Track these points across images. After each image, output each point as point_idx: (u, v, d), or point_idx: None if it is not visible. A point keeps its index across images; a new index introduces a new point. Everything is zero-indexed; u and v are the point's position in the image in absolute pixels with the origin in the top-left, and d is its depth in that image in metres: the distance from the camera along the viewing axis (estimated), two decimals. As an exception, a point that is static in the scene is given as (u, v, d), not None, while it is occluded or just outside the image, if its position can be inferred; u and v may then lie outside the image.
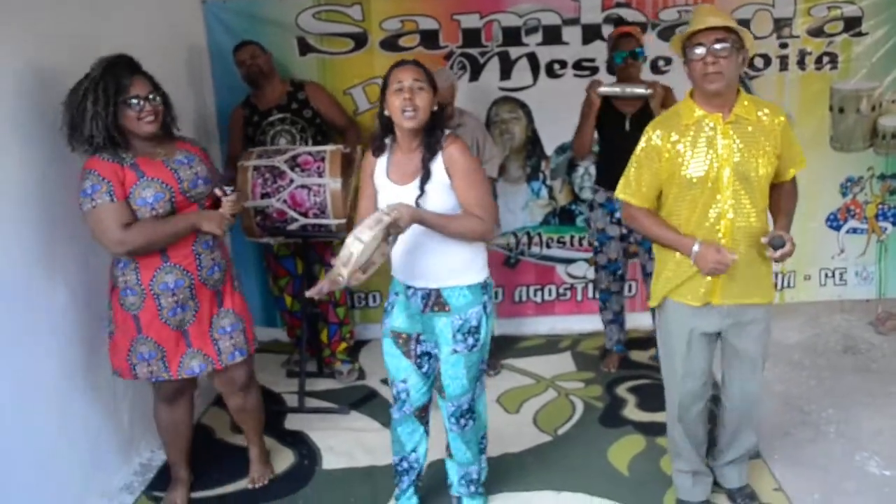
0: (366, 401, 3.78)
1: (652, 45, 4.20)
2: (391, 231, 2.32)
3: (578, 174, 4.44)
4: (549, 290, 4.60)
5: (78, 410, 2.93)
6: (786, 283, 4.60)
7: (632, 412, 3.60)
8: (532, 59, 4.28)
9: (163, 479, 3.17)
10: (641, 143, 2.55)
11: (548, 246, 4.54)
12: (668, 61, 4.27)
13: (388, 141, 2.56)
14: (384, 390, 3.82)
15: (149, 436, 3.40)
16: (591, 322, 4.42)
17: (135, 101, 2.56)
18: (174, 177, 2.66)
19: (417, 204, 2.43)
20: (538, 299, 4.62)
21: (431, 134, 2.47)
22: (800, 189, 2.64)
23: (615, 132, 3.62)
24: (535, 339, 4.51)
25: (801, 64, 4.32)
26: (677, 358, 2.64)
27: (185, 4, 4.06)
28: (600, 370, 4.05)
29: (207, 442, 3.45)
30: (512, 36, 4.24)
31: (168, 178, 2.64)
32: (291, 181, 3.47)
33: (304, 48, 4.23)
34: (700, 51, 2.35)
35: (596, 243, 3.90)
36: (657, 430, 3.34)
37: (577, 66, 4.28)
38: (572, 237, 4.53)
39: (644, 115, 3.53)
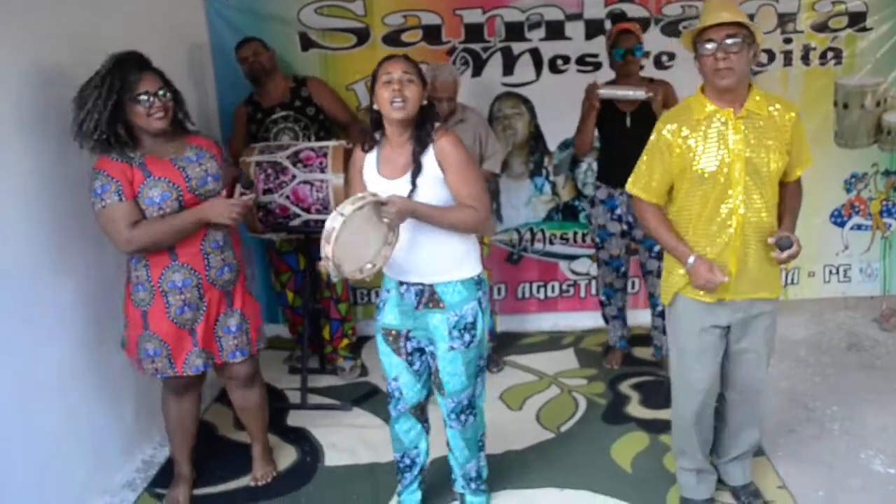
0: (368, 397, 3.77)
1: (655, 40, 4.19)
2: (390, 228, 2.31)
3: (581, 170, 4.42)
4: (552, 287, 4.59)
5: (81, 407, 2.93)
6: (790, 280, 4.58)
7: (635, 409, 3.58)
8: (535, 54, 4.26)
9: (165, 475, 3.17)
10: (652, 138, 2.55)
11: (551, 242, 4.53)
12: (672, 56, 4.25)
13: (377, 136, 2.55)
14: (386, 387, 3.81)
15: (152, 432, 3.41)
16: (593, 319, 4.41)
17: (143, 97, 2.56)
18: (182, 175, 2.65)
19: (410, 198, 2.41)
20: (541, 296, 4.61)
21: (422, 127, 2.45)
22: (804, 185, 2.63)
23: (616, 129, 3.61)
24: (537, 335, 4.50)
25: (806, 59, 4.30)
26: (690, 354, 2.63)
27: (187, 1, 4.05)
28: (603, 367, 4.04)
29: (210, 439, 3.44)
30: (515, 31, 4.22)
31: (175, 177, 2.63)
32: (294, 177, 3.46)
33: (307, 44, 4.21)
34: (711, 46, 2.34)
35: (597, 240, 3.89)
36: (660, 426, 3.34)
37: (581, 61, 4.26)
38: (575, 233, 4.51)
39: (645, 111, 3.51)
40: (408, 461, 2.82)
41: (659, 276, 3.74)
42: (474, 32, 4.22)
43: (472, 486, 2.84)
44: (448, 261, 2.51)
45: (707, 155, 2.43)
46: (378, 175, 2.51)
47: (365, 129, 2.59)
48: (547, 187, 4.48)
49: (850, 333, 4.34)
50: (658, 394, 3.65)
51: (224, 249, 2.77)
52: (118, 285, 3.13)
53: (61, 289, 2.84)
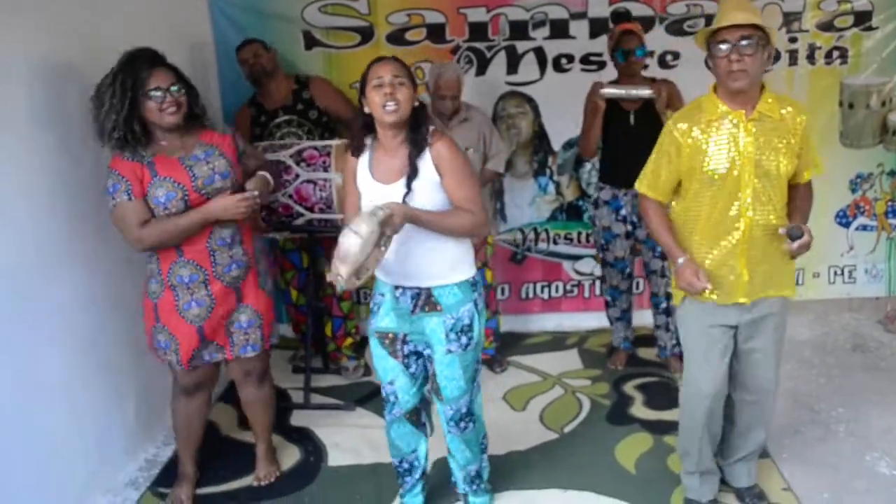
0: (371, 397, 3.76)
1: (660, 39, 4.18)
2: (385, 232, 2.28)
3: (586, 170, 4.41)
4: (556, 287, 4.58)
5: (84, 405, 2.93)
6: (795, 281, 4.56)
7: (639, 410, 3.57)
8: (539, 53, 4.25)
9: (168, 474, 3.16)
10: (661, 138, 2.54)
11: (555, 242, 4.52)
12: (676, 56, 4.23)
13: (368, 141, 2.52)
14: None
15: (155, 431, 3.41)
16: (598, 319, 4.39)
17: (155, 92, 2.57)
18: (188, 175, 2.65)
19: (405, 202, 2.38)
20: (545, 296, 4.59)
21: (416, 130, 2.43)
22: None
23: (620, 129, 3.59)
24: (541, 335, 4.49)
25: (811, 58, 4.28)
26: (698, 353, 2.63)
27: (190, 0, 4.04)
28: (607, 367, 4.03)
29: (214, 438, 3.43)
30: (519, 30, 4.21)
31: (181, 177, 2.64)
32: (297, 176, 3.45)
33: (310, 42, 4.21)
34: (725, 47, 2.32)
35: (602, 241, 3.87)
36: (664, 428, 3.33)
37: (585, 60, 4.24)
38: (579, 233, 4.50)
39: (648, 110, 3.50)
40: (406, 465, 2.81)
41: (663, 275, 3.74)
42: (478, 31, 4.20)
43: (474, 485, 2.82)
44: (444, 264, 2.50)
45: (717, 156, 2.42)
46: (372, 179, 2.47)
47: (354, 134, 2.55)
48: (551, 187, 4.47)
49: (855, 335, 4.32)
50: (662, 395, 3.65)
51: (232, 246, 2.76)
52: (122, 283, 3.14)
53: (64, 287, 2.83)
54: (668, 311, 3.83)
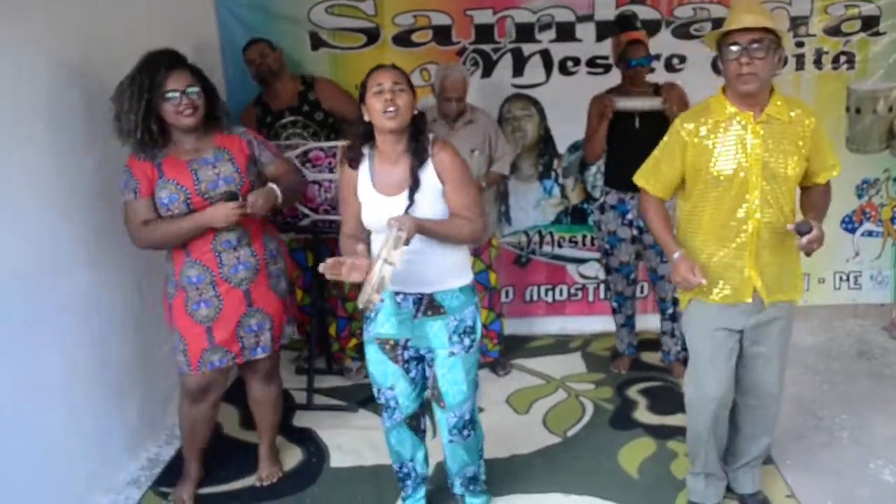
0: (374, 399, 3.74)
1: (666, 42, 4.17)
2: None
3: (591, 173, 4.40)
4: (561, 290, 4.57)
5: (85, 405, 2.92)
6: (802, 285, 4.54)
7: (642, 415, 3.56)
8: (545, 55, 4.24)
9: (170, 474, 3.17)
10: (668, 135, 2.55)
11: (559, 245, 4.51)
12: (682, 59, 4.23)
13: (365, 151, 2.50)
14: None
15: (156, 430, 3.41)
16: (602, 322, 4.39)
17: (172, 94, 2.59)
18: (192, 178, 2.66)
19: (407, 213, 2.37)
20: (549, 299, 4.59)
21: (417, 140, 2.42)
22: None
23: (625, 132, 3.58)
24: (545, 339, 4.48)
25: (818, 63, 4.27)
26: (703, 356, 2.62)
27: (196, -1, 4.06)
28: (611, 371, 4.02)
29: (216, 437, 3.41)
30: (525, 32, 4.21)
31: (185, 180, 2.65)
32: (302, 177, 3.44)
33: (317, 43, 4.21)
34: (735, 50, 2.31)
35: (607, 246, 3.86)
36: (668, 433, 3.32)
37: (591, 63, 4.24)
38: (584, 236, 4.49)
39: (654, 113, 3.50)
40: (406, 470, 2.80)
41: (670, 280, 3.72)
42: (485, 33, 4.20)
43: (471, 486, 2.81)
44: (447, 270, 2.49)
45: (724, 157, 2.41)
46: (375, 191, 2.45)
47: (352, 145, 2.52)
48: (556, 190, 4.46)
49: (859, 341, 4.30)
50: (666, 399, 3.63)
51: (238, 248, 2.76)
52: (124, 283, 3.15)
53: (66, 286, 2.83)
54: (675, 317, 3.82)
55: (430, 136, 2.47)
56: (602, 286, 4.50)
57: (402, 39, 4.18)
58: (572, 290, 4.57)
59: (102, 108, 2.98)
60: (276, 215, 3.50)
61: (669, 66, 4.22)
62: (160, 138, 2.63)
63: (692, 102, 3.43)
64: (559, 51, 4.23)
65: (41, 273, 2.70)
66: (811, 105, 4.15)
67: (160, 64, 2.59)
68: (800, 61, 4.26)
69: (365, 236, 2.52)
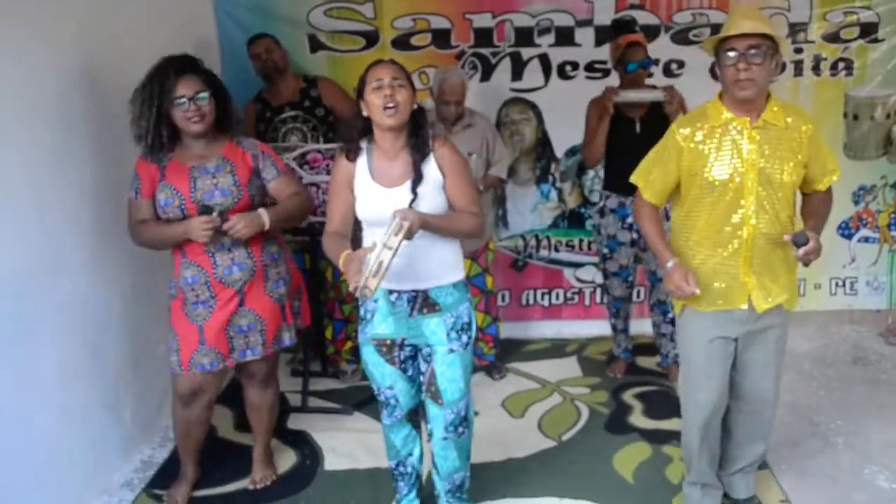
0: (369, 401, 3.73)
1: (665, 48, 4.18)
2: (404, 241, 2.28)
3: (588, 177, 4.40)
4: (557, 294, 4.57)
5: (79, 407, 2.91)
6: (797, 292, 4.54)
7: (638, 419, 3.56)
8: (544, 60, 4.25)
9: (164, 476, 3.16)
10: (664, 139, 2.54)
11: (556, 249, 4.51)
12: (681, 65, 4.24)
13: (363, 145, 2.49)
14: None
15: (150, 433, 3.40)
16: (598, 327, 4.39)
17: (180, 101, 2.61)
18: (189, 185, 2.67)
19: (411, 207, 2.37)
20: (545, 303, 4.59)
21: (417, 135, 2.43)
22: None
23: (625, 136, 3.58)
24: (541, 342, 4.48)
25: (816, 69, 4.28)
26: (698, 366, 2.61)
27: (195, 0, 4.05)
28: (606, 376, 4.01)
29: (210, 440, 3.39)
30: (524, 36, 4.21)
31: (181, 186, 2.67)
32: (300, 179, 3.44)
33: (315, 45, 4.21)
34: (733, 55, 2.30)
35: (605, 250, 3.86)
36: (663, 437, 3.31)
37: (590, 67, 4.25)
38: (581, 241, 4.49)
39: (654, 117, 3.49)
40: (402, 469, 2.79)
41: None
42: (484, 37, 4.21)
43: (457, 494, 2.78)
44: (442, 265, 2.50)
45: (720, 163, 2.41)
46: (374, 184, 2.45)
47: (349, 137, 2.51)
48: (553, 194, 4.46)
49: (855, 347, 4.31)
50: (662, 404, 3.63)
51: (233, 249, 2.75)
52: (120, 285, 3.14)
53: (62, 288, 2.82)
54: (675, 320, 3.81)
55: (431, 131, 2.48)
56: (598, 290, 4.50)
57: (401, 42, 4.18)
58: (569, 295, 4.57)
59: (102, 108, 3.00)
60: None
61: (668, 72, 4.23)
62: (170, 142, 2.67)
63: (690, 107, 3.43)
64: (558, 55, 4.24)
65: (38, 274, 2.69)
66: (809, 111, 4.20)
67: (170, 69, 2.61)
68: (798, 67, 4.28)
69: (350, 234, 2.53)
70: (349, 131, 2.51)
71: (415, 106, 2.42)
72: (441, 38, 4.20)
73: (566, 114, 4.15)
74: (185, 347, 2.77)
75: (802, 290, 4.54)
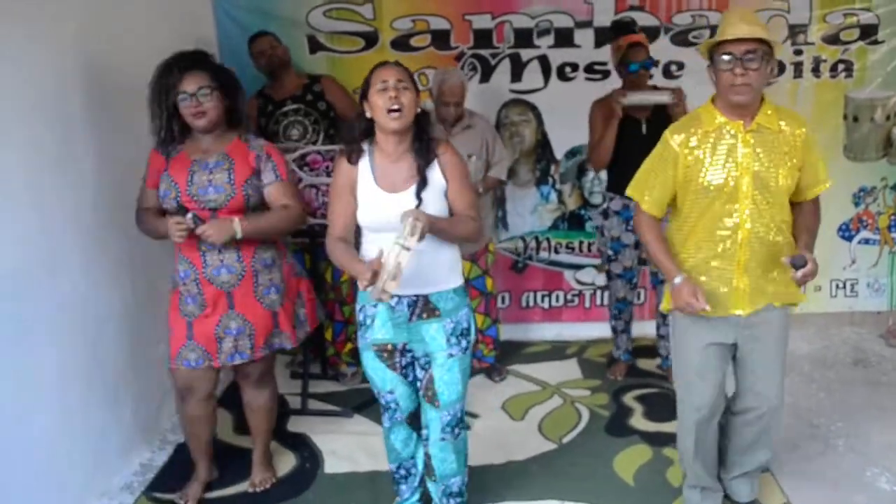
0: (369, 404, 3.72)
1: (665, 49, 4.17)
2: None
3: (588, 178, 4.40)
4: (557, 296, 4.56)
5: (79, 409, 2.90)
6: (797, 290, 4.54)
7: (638, 421, 3.55)
8: (543, 61, 4.24)
9: (164, 479, 3.15)
10: (658, 147, 2.51)
11: (556, 251, 4.50)
12: (681, 66, 4.23)
13: (364, 146, 2.48)
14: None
15: (150, 435, 3.39)
16: (598, 329, 4.38)
17: (182, 96, 2.63)
18: (187, 179, 2.69)
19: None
20: (545, 305, 4.58)
21: (421, 139, 2.42)
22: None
23: (632, 137, 3.55)
24: (541, 345, 4.47)
25: (816, 71, 4.28)
26: (692, 370, 2.59)
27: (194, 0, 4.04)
28: (607, 378, 4.00)
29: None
30: (523, 38, 4.21)
31: (179, 179, 2.69)
32: (300, 181, 3.44)
33: (315, 46, 4.21)
34: (728, 59, 2.29)
35: (610, 252, 3.84)
36: (664, 440, 3.30)
37: (589, 69, 4.24)
38: (581, 243, 4.49)
39: (660, 118, 3.47)
40: (403, 472, 2.78)
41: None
42: (483, 38, 4.20)
43: (453, 501, 2.75)
44: (443, 269, 2.49)
45: (714, 167, 2.39)
46: (377, 189, 2.43)
47: (351, 138, 2.50)
48: (553, 196, 4.46)
49: (856, 349, 4.30)
50: (662, 406, 3.62)
51: (223, 251, 2.74)
52: (120, 286, 3.13)
53: (62, 289, 2.81)
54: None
55: (434, 136, 2.48)
56: (598, 292, 4.49)
57: (401, 43, 4.18)
58: (569, 297, 4.56)
59: (102, 108, 3.00)
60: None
61: (668, 73, 4.22)
62: (181, 135, 2.72)
63: (690, 108, 3.42)
64: (557, 56, 4.23)
65: (38, 274, 2.68)
66: (809, 113, 4.22)
67: (175, 66, 2.64)
68: (798, 69, 4.27)
69: (353, 239, 2.52)
70: (351, 132, 2.50)
71: (419, 109, 2.41)
72: (440, 39, 4.20)
73: (566, 115, 4.15)
74: (174, 341, 2.80)
75: (802, 292, 4.53)
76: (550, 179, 4.43)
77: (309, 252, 3.83)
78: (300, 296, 3.01)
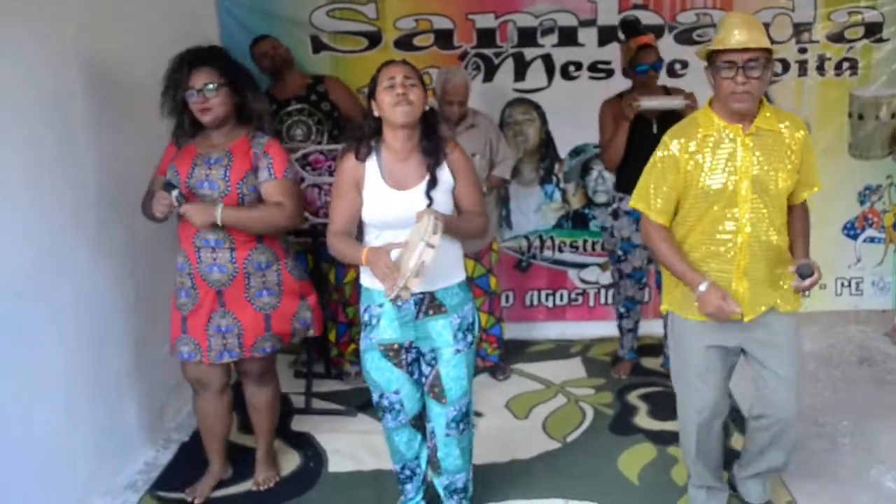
0: (374, 405, 3.73)
1: (669, 48, 4.15)
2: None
3: (592, 177, 4.39)
4: (561, 295, 4.56)
5: (83, 408, 2.91)
6: (798, 296, 4.53)
7: (643, 420, 3.54)
8: (547, 60, 4.24)
9: (168, 477, 3.15)
10: (658, 154, 2.48)
11: (560, 250, 4.50)
12: (685, 65, 4.22)
13: (372, 144, 2.48)
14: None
15: (154, 434, 3.39)
16: (602, 328, 4.38)
17: (189, 92, 2.66)
18: (188, 171, 2.72)
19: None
20: (549, 304, 4.57)
21: (430, 138, 2.43)
22: (817, 196, 2.57)
23: (644, 136, 3.52)
24: (545, 343, 4.46)
25: (821, 69, 4.26)
26: (692, 372, 2.58)
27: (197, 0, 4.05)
28: (611, 377, 4.00)
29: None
30: (527, 37, 4.20)
31: (182, 170, 2.73)
32: (302, 180, 3.44)
33: (318, 46, 4.21)
34: (730, 68, 2.26)
35: (619, 252, 3.83)
36: (669, 438, 3.29)
37: (593, 68, 4.23)
38: (585, 241, 4.48)
39: (671, 118, 3.45)
40: (408, 472, 2.78)
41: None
42: (486, 37, 4.20)
43: (457, 497, 2.75)
44: (448, 266, 2.49)
45: (714, 171, 2.37)
46: (386, 187, 2.43)
47: (359, 137, 2.50)
48: (557, 194, 4.45)
49: (861, 347, 4.29)
50: (667, 405, 3.58)
51: (217, 250, 2.75)
52: (123, 285, 3.14)
53: (65, 288, 2.82)
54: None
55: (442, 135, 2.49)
56: (603, 291, 4.49)
57: (404, 43, 4.18)
58: (573, 295, 4.56)
59: (102, 108, 3.00)
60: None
61: (672, 72, 4.21)
62: (192, 129, 2.76)
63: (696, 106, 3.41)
64: (561, 55, 4.22)
65: (39, 274, 2.69)
66: (814, 111, 4.21)
67: (185, 62, 2.66)
68: (802, 68, 4.26)
69: (354, 235, 2.52)
70: (359, 130, 2.50)
71: (427, 107, 2.42)
72: (444, 38, 4.19)
73: (570, 114, 4.15)
74: (172, 333, 2.85)
75: (807, 291, 4.52)
76: (554, 178, 4.43)
77: (311, 252, 3.82)
78: (304, 299, 2.97)
